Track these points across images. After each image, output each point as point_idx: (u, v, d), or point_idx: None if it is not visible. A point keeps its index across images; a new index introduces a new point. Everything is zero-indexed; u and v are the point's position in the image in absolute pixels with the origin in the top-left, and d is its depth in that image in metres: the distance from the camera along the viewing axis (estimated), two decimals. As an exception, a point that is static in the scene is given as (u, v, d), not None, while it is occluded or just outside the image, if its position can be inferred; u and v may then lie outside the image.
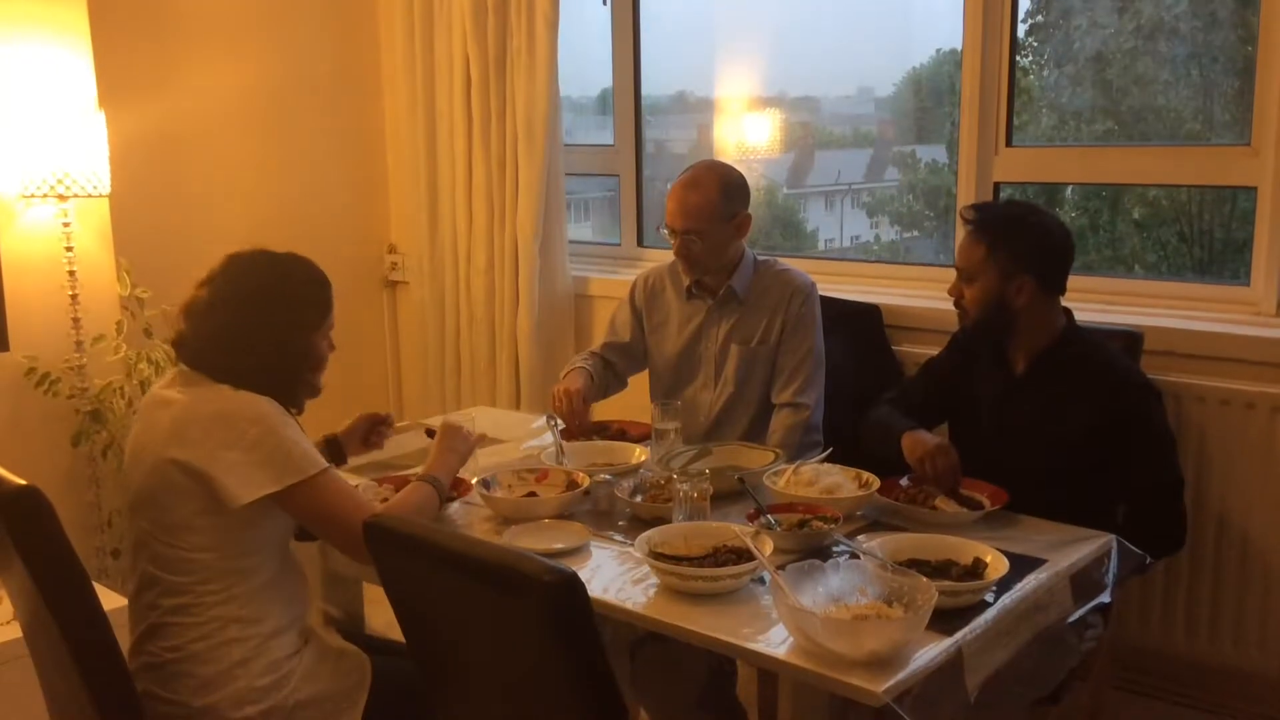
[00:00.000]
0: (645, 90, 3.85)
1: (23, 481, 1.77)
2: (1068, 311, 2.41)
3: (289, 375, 2.01)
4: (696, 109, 4.05)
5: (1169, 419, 2.43)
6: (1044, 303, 2.36)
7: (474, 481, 2.35)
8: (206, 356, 1.97)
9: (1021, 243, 2.33)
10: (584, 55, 3.92)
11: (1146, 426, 2.31)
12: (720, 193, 2.70)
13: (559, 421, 2.70)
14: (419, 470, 2.26)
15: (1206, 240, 3.23)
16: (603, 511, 2.30)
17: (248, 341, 1.96)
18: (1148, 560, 2.17)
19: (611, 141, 3.93)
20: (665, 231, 2.76)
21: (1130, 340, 2.64)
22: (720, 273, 2.78)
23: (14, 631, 2.49)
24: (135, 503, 1.98)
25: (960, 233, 2.46)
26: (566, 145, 3.76)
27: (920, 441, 2.32)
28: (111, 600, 2.27)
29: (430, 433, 2.37)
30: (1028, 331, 2.38)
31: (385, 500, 2.22)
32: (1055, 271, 2.36)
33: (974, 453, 2.40)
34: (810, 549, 2.04)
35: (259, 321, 1.97)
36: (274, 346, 1.98)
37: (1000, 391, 2.43)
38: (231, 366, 1.95)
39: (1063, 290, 2.39)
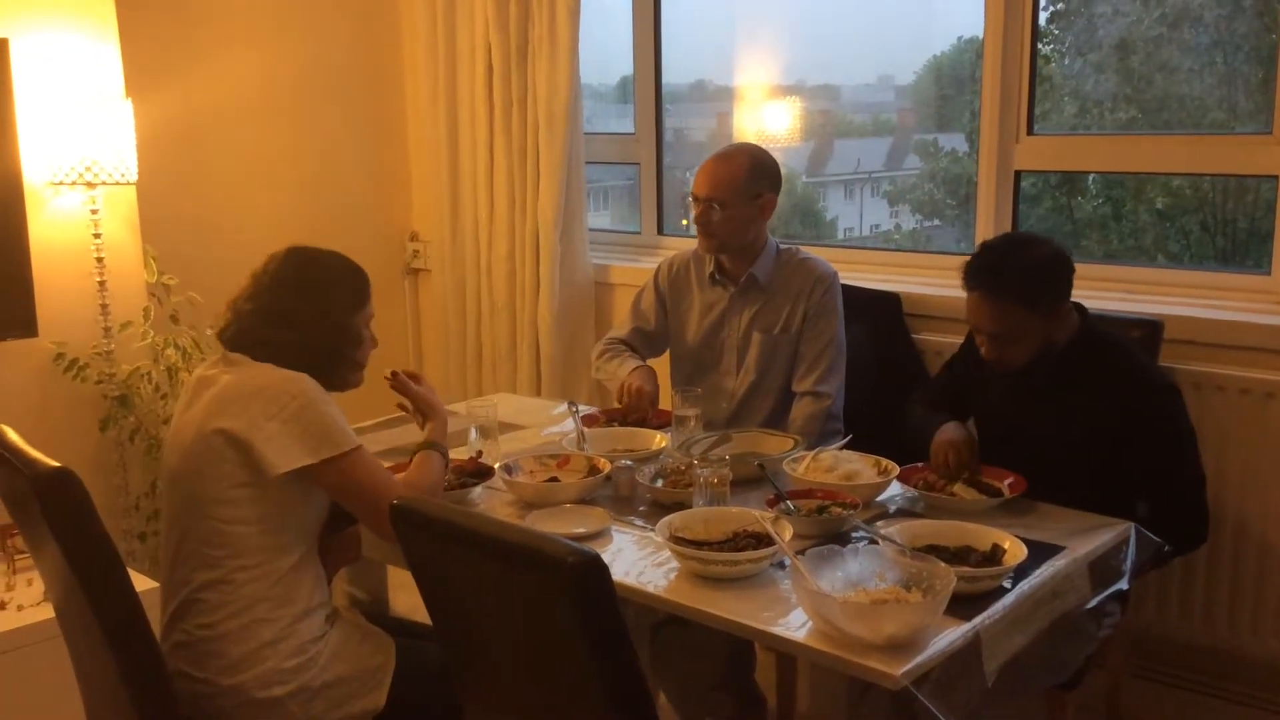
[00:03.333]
0: (665, 78, 3.86)
1: (56, 463, 1.80)
2: (1079, 307, 2.38)
3: (330, 351, 2.09)
4: (716, 97, 4.06)
5: (1189, 412, 2.42)
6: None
7: (496, 466, 2.38)
8: (252, 335, 2.05)
9: (1051, 283, 2.29)
10: (604, 43, 3.92)
11: (1168, 426, 2.30)
12: (748, 169, 2.73)
13: (579, 408, 2.73)
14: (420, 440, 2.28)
15: (1229, 230, 3.22)
16: (623, 497, 2.33)
17: (292, 318, 2.05)
18: (1165, 548, 2.18)
19: (631, 130, 3.95)
20: (690, 200, 2.78)
21: (1150, 329, 2.64)
22: (741, 259, 2.80)
23: (47, 612, 2.54)
24: (175, 476, 2.03)
25: (970, 296, 2.32)
26: (586, 133, 3.78)
27: (942, 432, 2.35)
28: (140, 582, 2.31)
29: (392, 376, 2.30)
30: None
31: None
32: (1071, 288, 2.33)
33: (992, 449, 2.40)
34: (829, 534, 2.05)
35: (301, 299, 2.07)
36: (311, 321, 2.06)
37: (1019, 394, 2.41)
38: (275, 342, 2.03)
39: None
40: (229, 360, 2.06)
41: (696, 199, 2.76)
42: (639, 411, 2.74)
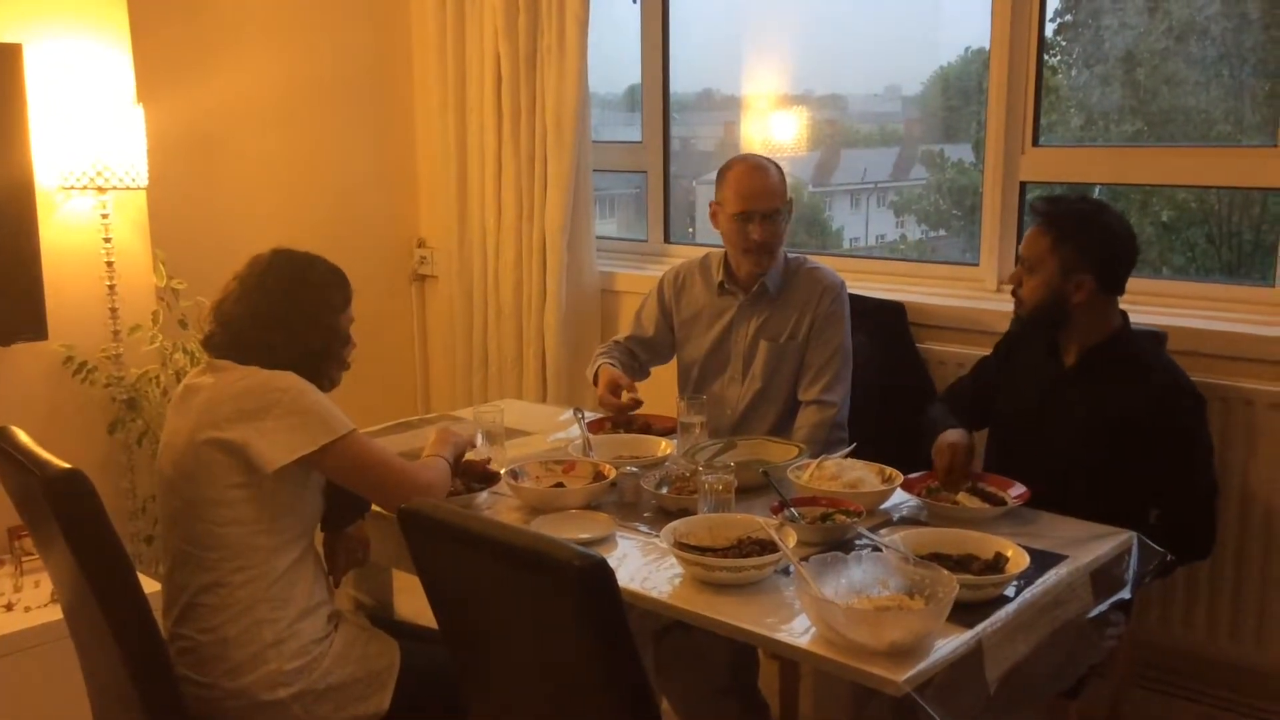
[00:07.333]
0: (672, 87, 3.87)
1: (67, 465, 1.82)
2: (1123, 314, 2.44)
3: (322, 349, 2.11)
4: (723, 106, 4.07)
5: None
6: (1101, 302, 2.38)
7: (503, 472, 2.40)
8: (238, 340, 2.06)
9: (1087, 240, 2.35)
10: (612, 52, 3.94)
11: (1189, 433, 2.32)
12: (780, 174, 2.78)
13: (585, 414, 2.74)
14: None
15: (1235, 242, 3.23)
16: (628, 503, 2.33)
17: (286, 321, 2.06)
18: (1169, 558, 2.19)
19: (638, 138, 3.96)
20: (739, 220, 2.73)
21: (1154, 340, 2.65)
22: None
23: (55, 613, 2.56)
24: (168, 483, 2.04)
25: (1016, 224, 2.49)
26: (594, 142, 3.80)
27: (945, 435, 2.37)
28: (148, 585, 2.32)
29: None
30: (1081, 327, 2.40)
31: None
32: (1116, 273, 2.39)
33: (1017, 444, 2.41)
34: (833, 542, 2.06)
35: (290, 301, 2.08)
36: (306, 322, 2.08)
37: (1048, 382, 2.45)
38: (264, 344, 2.04)
39: (1121, 291, 2.41)
40: (214, 367, 2.07)
41: (754, 214, 2.71)
42: (614, 394, 2.71)
